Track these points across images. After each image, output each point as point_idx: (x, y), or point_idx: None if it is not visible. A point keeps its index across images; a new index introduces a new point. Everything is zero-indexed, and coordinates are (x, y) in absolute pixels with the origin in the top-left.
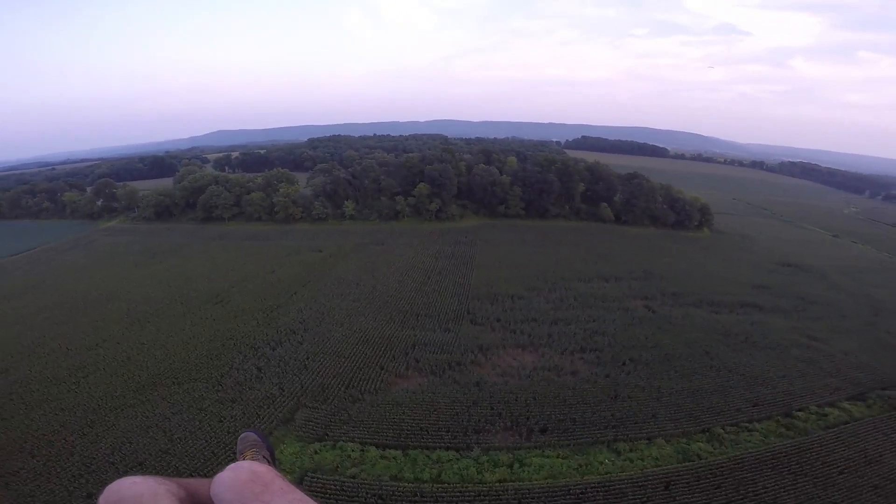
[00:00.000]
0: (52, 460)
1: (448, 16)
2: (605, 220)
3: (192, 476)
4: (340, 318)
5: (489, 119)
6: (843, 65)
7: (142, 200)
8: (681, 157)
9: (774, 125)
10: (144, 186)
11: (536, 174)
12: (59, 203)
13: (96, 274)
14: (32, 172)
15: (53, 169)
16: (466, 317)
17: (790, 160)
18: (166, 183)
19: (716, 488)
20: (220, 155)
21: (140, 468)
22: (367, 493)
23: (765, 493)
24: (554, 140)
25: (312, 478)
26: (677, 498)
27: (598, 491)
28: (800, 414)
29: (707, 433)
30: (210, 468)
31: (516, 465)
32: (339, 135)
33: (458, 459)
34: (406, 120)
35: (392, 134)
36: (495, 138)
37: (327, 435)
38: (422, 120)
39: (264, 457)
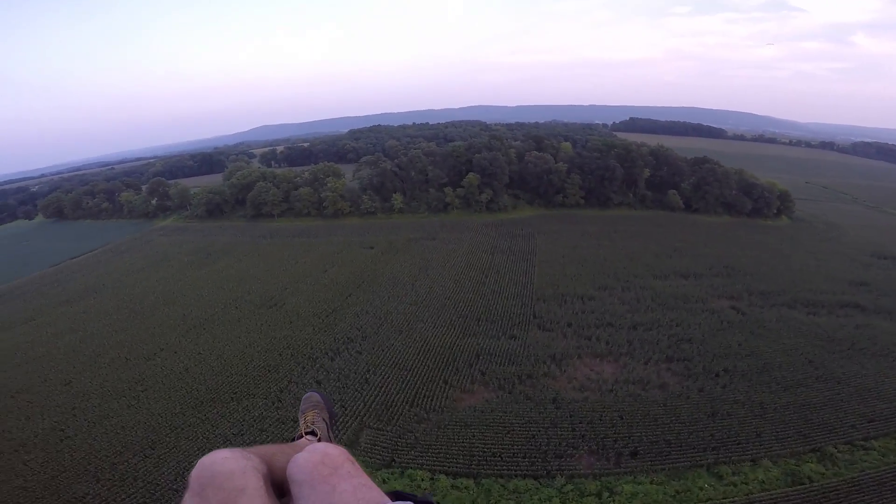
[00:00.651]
0: (116, 485)
1: (477, 1)
2: (674, 209)
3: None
4: (399, 324)
5: (525, 103)
6: None
7: (193, 198)
8: (740, 137)
9: (837, 103)
10: (195, 183)
11: (595, 160)
12: (116, 203)
13: (152, 276)
14: (94, 173)
15: (112, 168)
16: (533, 321)
17: (863, 140)
18: (216, 179)
19: None
20: (266, 149)
21: None
22: None
23: None
24: (599, 122)
25: None
26: None
27: None
28: None
29: (818, 453)
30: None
31: (605, 495)
32: (379, 125)
33: (538, 489)
34: (441, 107)
35: (429, 122)
36: (537, 123)
37: (394, 461)
38: (456, 107)
39: (324, 419)
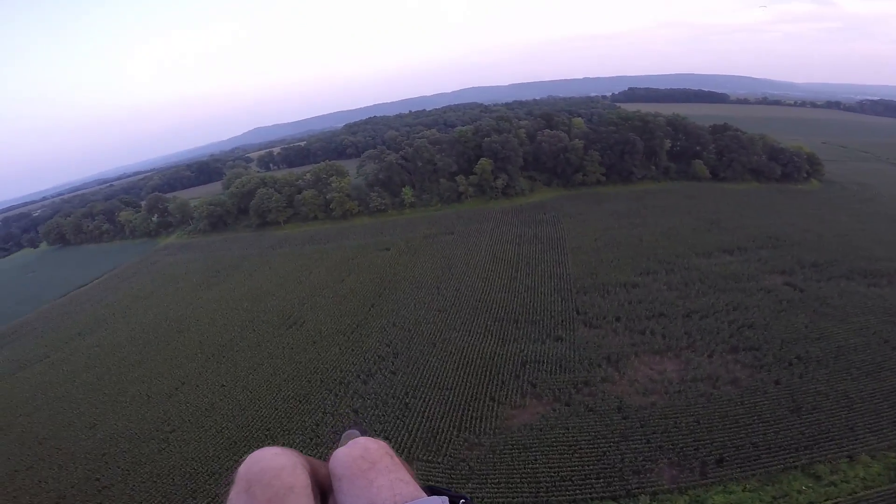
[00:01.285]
0: None
1: None
2: (700, 179)
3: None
4: (430, 336)
5: (518, 81)
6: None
7: (195, 212)
8: (744, 101)
9: (831, 63)
10: (195, 194)
11: (612, 134)
12: (117, 224)
13: (162, 300)
14: (94, 191)
15: (112, 185)
16: (577, 318)
17: (868, 98)
18: (215, 188)
19: None
20: (263, 152)
21: None
22: None
23: None
24: (597, 95)
25: None
26: None
27: None
28: None
29: None
30: None
31: None
32: (374, 116)
33: None
34: (433, 93)
35: (425, 108)
36: (535, 100)
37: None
38: (449, 91)
39: None
